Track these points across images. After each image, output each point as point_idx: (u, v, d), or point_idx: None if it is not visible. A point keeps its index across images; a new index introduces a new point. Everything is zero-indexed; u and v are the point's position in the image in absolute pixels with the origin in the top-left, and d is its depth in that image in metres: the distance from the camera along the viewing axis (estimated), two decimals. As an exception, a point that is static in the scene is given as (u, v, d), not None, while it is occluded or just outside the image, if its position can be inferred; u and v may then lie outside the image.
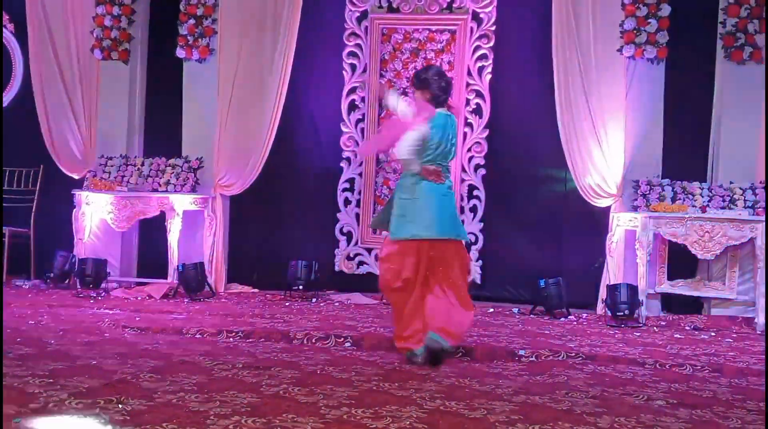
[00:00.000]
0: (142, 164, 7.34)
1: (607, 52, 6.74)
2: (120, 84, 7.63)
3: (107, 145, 7.59)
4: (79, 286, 6.84)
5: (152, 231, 7.39)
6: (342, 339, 4.97)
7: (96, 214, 7.24)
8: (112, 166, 7.38)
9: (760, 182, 6.46)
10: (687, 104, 6.90)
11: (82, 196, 7.19)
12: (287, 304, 6.67)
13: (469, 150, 7.29)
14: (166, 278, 6.98)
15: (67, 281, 7.18)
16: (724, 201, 6.35)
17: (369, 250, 7.45)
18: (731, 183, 6.47)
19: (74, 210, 7.20)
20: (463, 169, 7.29)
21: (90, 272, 6.86)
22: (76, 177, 7.66)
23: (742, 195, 6.35)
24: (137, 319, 5.58)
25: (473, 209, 7.28)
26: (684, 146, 6.90)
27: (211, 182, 7.33)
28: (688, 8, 6.79)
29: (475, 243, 7.23)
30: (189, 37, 7.40)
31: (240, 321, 5.57)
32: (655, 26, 6.61)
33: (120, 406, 3.17)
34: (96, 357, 4.18)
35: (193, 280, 6.83)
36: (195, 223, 7.25)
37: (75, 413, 3.05)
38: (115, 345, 4.59)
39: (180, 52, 7.43)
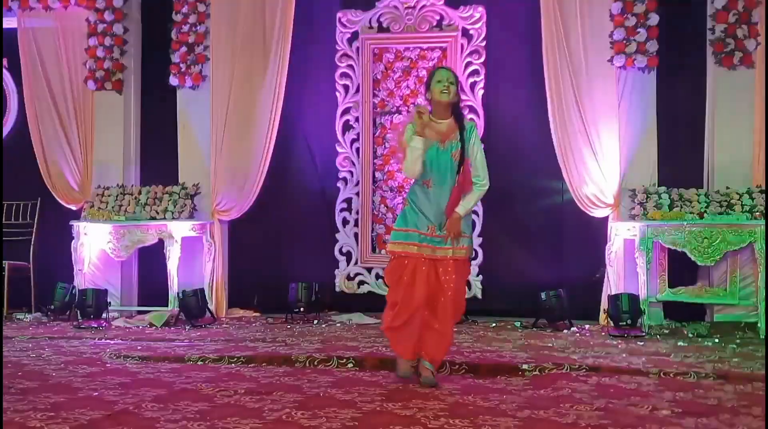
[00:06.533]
0: (139, 193, 7.35)
1: (598, 63, 6.77)
2: (114, 114, 7.66)
3: (104, 175, 7.60)
4: (79, 318, 6.82)
5: (152, 259, 7.39)
6: (344, 360, 4.94)
7: (95, 245, 7.24)
8: (109, 195, 7.38)
9: (757, 186, 6.46)
10: (680, 111, 6.93)
11: (80, 226, 7.19)
12: (289, 327, 6.65)
13: (465, 165, 7.30)
14: (166, 306, 6.97)
15: (67, 313, 7.16)
16: (721, 206, 6.34)
17: (369, 270, 7.45)
18: (728, 188, 6.47)
19: (73, 241, 7.20)
20: (460, 185, 7.29)
21: (90, 303, 6.84)
22: (73, 208, 7.67)
23: (739, 200, 6.34)
24: (138, 348, 5.56)
25: (472, 224, 7.27)
26: (679, 153, 6.91)
27: (209, 208, 7.34)
28: (677, 16, 6.84)
29: (475, 258, 7.22)
30: (181, 65, 7.44)
31: (241, 346, 5.55)
32: (644, 35, 6.64)
33: (122, 437, 3.15)
34: (98, 388, 4.16)
35: (193, 307, 6.82)
36: (194, 249, 7.25)
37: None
38: (117, 375, 4.57)
39: (173, 80, 7.47)
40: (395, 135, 4.52)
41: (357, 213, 7.51)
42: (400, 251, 4.27)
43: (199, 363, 5.01)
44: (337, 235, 7.55)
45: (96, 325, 6.67)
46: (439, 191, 4.25)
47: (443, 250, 4.25)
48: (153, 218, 7.14)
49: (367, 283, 7.45)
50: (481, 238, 7.26)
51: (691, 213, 6.32)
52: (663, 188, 6.55)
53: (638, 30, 6.65)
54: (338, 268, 7.52)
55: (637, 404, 3.81)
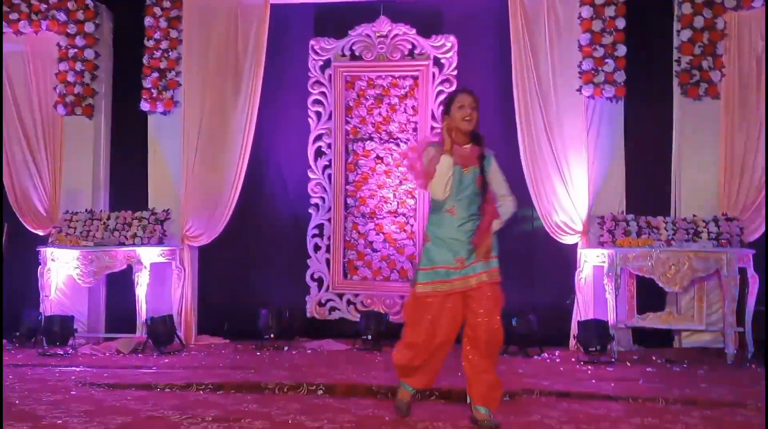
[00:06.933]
0: (108, 218, 7.28)
1: (567, 92, 6.87)
2: (84, 139, 7.59)
3: (72, 200, 7.51)
4: (45, 344, 6.70)
5: (120, 285, 7.29)
6: (314, 387, 4.92)
7: (62, 271, 7.13)
8: (77, 221, 7.29)
9: (723, 214, 6.57)
10: (647, 140, 7.04)
11: (47, 252, 7.09)
12: (258, 353, 6.59)
13: (436, 192, 7.33)
14: (134, 332, 6.87)
15: (33, 340, 7.03)
16: (688, 234, 6.44)
17: (340, 296, 7.43)
18: (694, 216, 6.58)
19: (40, 267, 7.09)
20: (431, 212, 7.32)
21: (57, 329, 6.73)
22: (41, 233, 7.56)
23: (705, 227, 6.45)
24: (105, 375, 5.48)
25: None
26: (646, 181, 7.01)
27: (179, 233, 7.28)
28: (644, 47, 6.97)
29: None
30: (153, 90, 7.41)
31: (210, 373, 5.48)
32: (612, 66, 6.76)
33: (85, 465, 3.09)
34: (61, 416, 4.09)
35: (162, 334, 6.73)
36: (163, 275, 7.17)
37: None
38: (82, 403, 4.49)
39: (144, 105, 7.44)
40: (410, 154, 4.27)
41: (329, 239, 7.50)
42: (429, 292, 3.96)
43: (167, 390, 4.95)
44: (308, 261, 7.53)
45: (62, 352, 6.56)
46: (464, 219, 3.96)
47: (477, 277, 3.93)
48: (122, 244, 7.06)
49: (339, 310, 7.42)
50: (452, 265, 7.26)
51: (658, 240, 6.41)
52: (631, 216, 6.64)
53: (606, 61, 6.77)
54: (309, 294, 7.49)
55: (606, 430, 3.83)
